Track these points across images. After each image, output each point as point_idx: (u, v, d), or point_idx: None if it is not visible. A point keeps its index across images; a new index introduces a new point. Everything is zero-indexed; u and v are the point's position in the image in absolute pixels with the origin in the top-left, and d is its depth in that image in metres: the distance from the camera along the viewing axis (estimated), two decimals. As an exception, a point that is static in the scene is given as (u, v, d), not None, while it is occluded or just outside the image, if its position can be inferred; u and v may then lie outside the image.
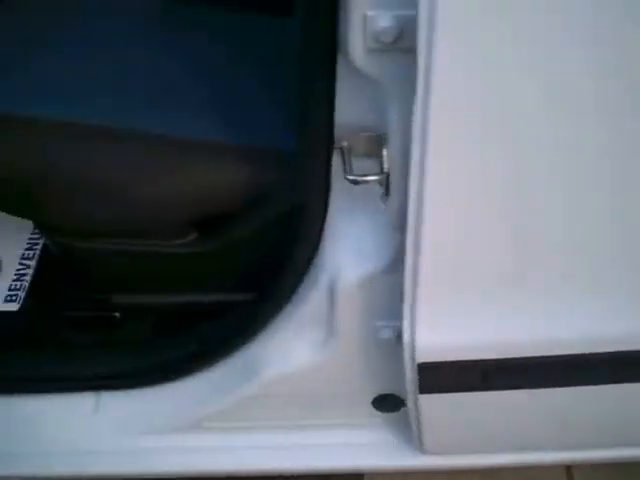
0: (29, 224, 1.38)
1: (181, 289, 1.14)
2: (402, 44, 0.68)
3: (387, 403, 1.05)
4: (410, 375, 0.88)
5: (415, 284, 0.79)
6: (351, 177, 0.80)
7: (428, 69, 0.63)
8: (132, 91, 1.01)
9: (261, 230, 1.04)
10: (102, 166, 0.97)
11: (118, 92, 1.01)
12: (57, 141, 0.97)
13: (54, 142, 0.97)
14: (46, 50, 1.06)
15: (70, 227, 1.05)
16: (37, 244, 1.36)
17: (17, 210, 1.07)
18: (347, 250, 0.89)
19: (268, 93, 1.05)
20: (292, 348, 0.99)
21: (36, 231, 1.37)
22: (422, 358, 0.85)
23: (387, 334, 0.93)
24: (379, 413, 1.06)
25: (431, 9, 0.60)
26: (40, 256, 1.33)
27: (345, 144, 0.81)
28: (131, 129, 0.97)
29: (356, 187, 0.84)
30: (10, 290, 1.29)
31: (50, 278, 1.29)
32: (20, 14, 1.14)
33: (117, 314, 1.18)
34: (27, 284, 1.30)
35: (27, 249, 1.35)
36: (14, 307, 1.27)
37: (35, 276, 1.30)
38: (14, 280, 1.31)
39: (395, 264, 0.86)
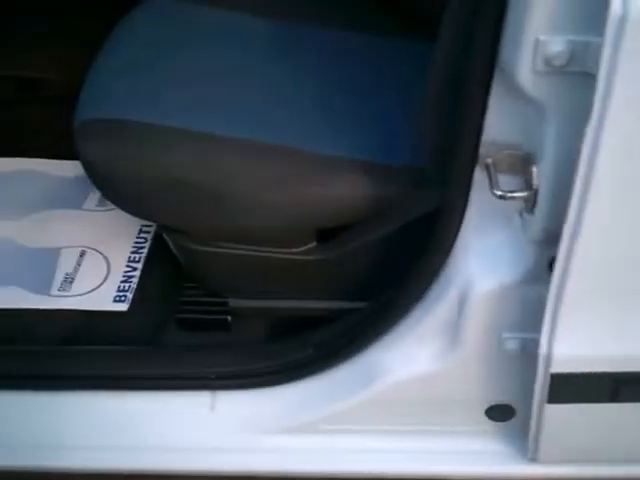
0: (133, 228, 1.43)
1: (295, 295, 1.18)
2: (571, 68, 0.71)
3: (499, 412, 1.08)
4: (540, 385, 0.91)
5: (560, 297, 0.82)
6: (499, 192, 0.83)
7: (607, 93, 0.67)
8: (274, 110, 1.08)
9: (380, 241, 1.08)
10: (242, 178, 1.02)
11: (263, 111, 1.06)
12: (205, 154, 1.03)
13: (203, 154, 1.03)
14: (206, 73, 1.13)
15: (199, 232, 1.10)
16: (143, 248, 1.41)
17: (147, 213, 1.12)
18: (481, 261, 0.93)
19: (396, 111, 1.10)
20: (414, 355, 1.02)
21: (141, 235, 1.42)
22: (557, 369, 0.88)
23: (512, 345, 0.96)
24: (491, 422, 1.09)
25: (617, 36, 0.64)
26: (146, 259, 1.38)
27: (490, 160, 0.85)
28: (271, 144, 1.03)
29: (485, 201, 0.88)
30: (119, 291, 1.34)
31: (157, 280, 1.34)
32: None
33: (229, 317, 1.22)
34: (135, 286, 1.35)
35: (133, 252, 1.40)
36: (123, 307, 1.31)
37: (142, 278, 1.35)
38: (122, 282, 1.36)
39: (529, 277, 0.90)
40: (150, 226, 1.43)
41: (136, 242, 1.42)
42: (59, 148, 1.52)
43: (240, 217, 1.06)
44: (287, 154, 1.03)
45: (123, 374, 1.17)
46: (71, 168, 1.52)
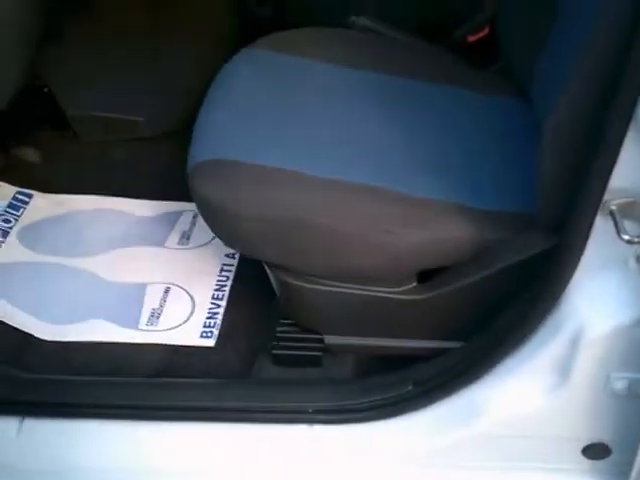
0: (215, 267, 1.48)
1: (391, 333, 1.22)
2: None
3: (595, 450, 1.12)
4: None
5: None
6: (627, 237, 0.89)
7: None
8: (383, 156, 1.15)
9: (480, 282, 1.13)
10: (353, 219, 1.08)
11: (373, 156, 1.14)
12: (320, 196, 1.09)
13: (318, 196, 1.09)
14: (313, 120, 1.20)
15: (306, 270, 1.15)
16: (225, 285, 1.46)
17: (258, 250, 1.16)
18: (595, 303, 0.98)
19: (498, 159, 1.16)
20: (518, 393, 1.07)
21: (223, 273, 1.47)
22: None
23: (619, 385, 1.01)
24: (587, 460, 1.12)
25: None
26: (229, 296, 1.43)
27: (615, 207, 0.91)
28: (381, 188, 1.09)
29: (599, 244, 0.94)
30: (205, 327, 1.38)
31: (243, 317, 1.39)
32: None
33: (321, 353, 1.26)
34: (220, 322, 1.39)
35: (216, 289, 1.45)
36: (210, 343, 1.36)
37: (226, 315, 1.39)
38: (207, 318, 1.40)
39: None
40: (231, 265, 1.49)
41: (219, 280, 1.46)
42: (141, 187, 1.58)
43: (348, 256, 1.11)
44: (396, 198, 1.09)
45: (210, 406, 1.20)
46: (152, 207, 1.58)
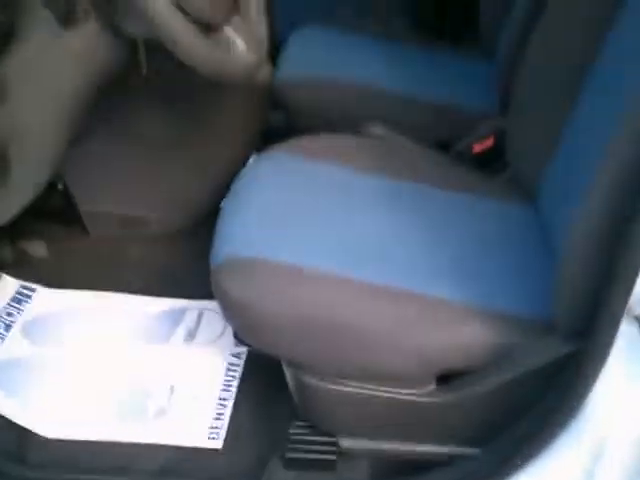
0: (221, 366, 1.47)
1: (407, 437, 1.21)
2: None
3: None
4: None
5: None
6: None
7: None
8: (400, 256, 1.17)
9: (501, 387, 1.13)
10: (373, 319, 1.09)
11: (391, 257, 1.16)
12: (340, 294, 1.10)
13: (340, 294, 1.10)
14: (332, 220, 1.23)
15: (325, 369, 1.14)
16: (231, 386, 1.44)
17: (279, 347, 1.16)
18: (620, 409, 0.98)
19: (509, 265, 1.19)
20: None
21: (229, 373, 1.46)
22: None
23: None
24: None
25: None
26: (236, 397, 1.41)
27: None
28: (398, 288, 1.11)
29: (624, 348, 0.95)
30: (211, 428, 1.36)
31: (251, 418, 1.37)
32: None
33: (335, 457, 1.24)
34: (227, 423, 1.36)
35: (222, 390, 1.43)
36: (218, 445, 1.33)
37: (234, 416, 1.37)
38: (214, 419, 1.38)
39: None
40: (238, 365, 1.47)
41: (225, 380, 1.45)
42: (148, 285, 1.58)
43: (373, 356, 1.11)
44: (413, 299, 1.10)
45: None
46: (157, 304, 1.58)
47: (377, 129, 1.51)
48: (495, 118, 1.62)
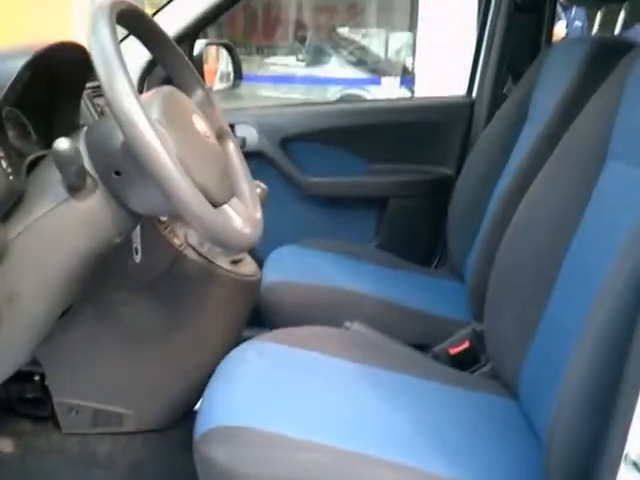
0: None
1: None
2: None
3: None
4: None
5: None
6: None
7: None
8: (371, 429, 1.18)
9: None
10: None
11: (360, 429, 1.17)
12: (322, 463, 1.09)
13: (319, 464, 1.09)
14: (317, 398, 1.24)
15: None
16: None
17: None
18: None
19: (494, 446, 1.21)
20: None
21: None
22: None
23: None
24: None
25: None
26: None
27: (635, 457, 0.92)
28: (371, 455, 1.11)
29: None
30: None
31: None
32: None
33: None
34: None
35: None
36: None
37: None
38: None
39: None
40: None
41: None
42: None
43: None
44: (390, 465, 1.09)
45: None
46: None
47: (356, 326, 1.55)
48: (470, 323, 1.68)
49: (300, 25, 7.82)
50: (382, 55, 7.83)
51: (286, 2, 7.88)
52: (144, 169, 1.03)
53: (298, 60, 7.43)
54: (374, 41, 7.73)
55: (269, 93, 6.99)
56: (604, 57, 1.51)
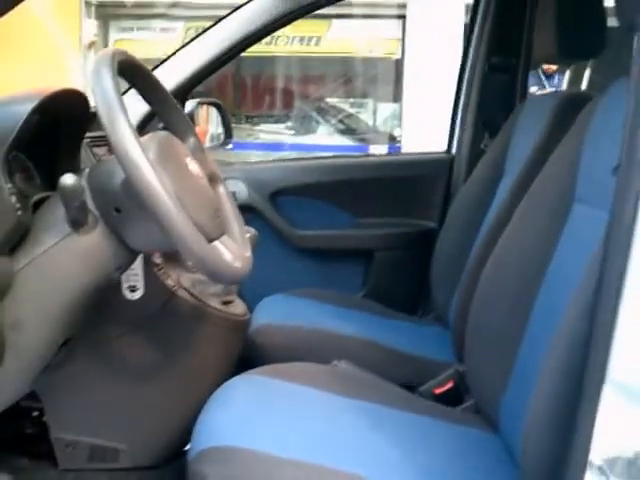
0: None
1: None
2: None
3: None
4: None
5: None
6: None
7: None
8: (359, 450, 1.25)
9: None
10: None
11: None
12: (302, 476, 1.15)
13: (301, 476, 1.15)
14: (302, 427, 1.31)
15: None
16: None
17: None
18: None
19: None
20: None
21: None
22: None
23: None
24: None
25: None
26: None
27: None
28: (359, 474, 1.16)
29: None
30: None
31: None
32: None
33: None
34: None
35: None
36: None
37: None
38: None
39: None
40: None
41: None
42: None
43: None
44: None
45: None
46: None
47: (343, 364, 1.61)
48: (453, 364, 1.74)
49: (289, 95, 8.02)
50: (370, 124, 8.01)
51: (275, 73, 8.10)
52: (143, 205, 1.11)
53: (287, 128, 7.60)
54: (362, 110, 7.93)
55: (259, 160, 7.14)
56: (570, 109, 1.61)
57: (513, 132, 1.97)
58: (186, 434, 1.55)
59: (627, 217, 0.92)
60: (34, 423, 1.55)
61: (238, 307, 1.65)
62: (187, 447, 1.52)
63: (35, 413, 1.55)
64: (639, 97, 0.89)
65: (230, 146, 2.48)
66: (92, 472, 1.55)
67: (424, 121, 6.29)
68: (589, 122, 1.37)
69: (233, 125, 2.49)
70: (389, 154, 5.56)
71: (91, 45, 7.08)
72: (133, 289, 1.44)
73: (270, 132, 7.44)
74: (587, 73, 4.62)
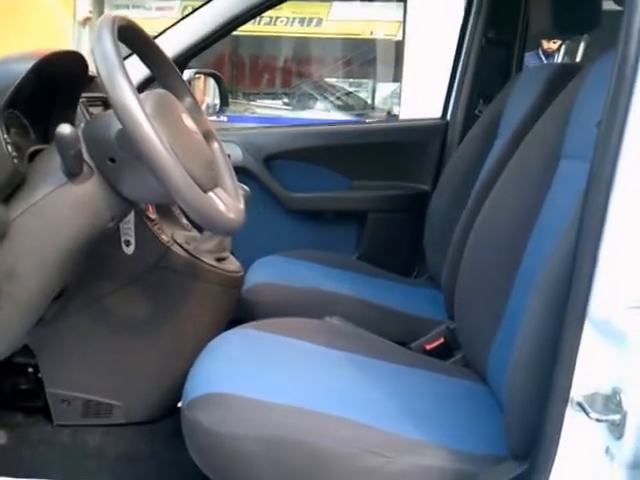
0: None
1: None
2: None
3: None
4: None
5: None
6: (596, 416, 0.96)
7: None
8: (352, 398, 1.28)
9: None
10: (341, 441, 1.16)
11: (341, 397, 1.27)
12: (300, 419, 1.18)
13: (294, 420, 1.18)
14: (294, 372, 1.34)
15: None
16: None
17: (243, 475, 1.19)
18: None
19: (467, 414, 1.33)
20: None
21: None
22: None
23: None
24: None
25: None
26: None
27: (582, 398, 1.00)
28: (355, 420, 1.19)
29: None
30: None
31: None
32: None
33: None
34: None
35: None
36: None
37: None
38: None
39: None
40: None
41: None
42: (110, 474, 1.57)
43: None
44: (373, 429, 1.17)
45: None
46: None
47: (336, 320, 1.64)
48: (444, 321, 1.77)
49: (288, 74, 8.00)
50: (369, 101, 7.99)
51: (274, 53, 8.05)
52: (139, 154, 1.13)
53: (284, 104, 7.58)
54: (361, 89, 7.90)
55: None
56: (562, 78, 1.63)
57: (507, 99, 1.99)
58: (180, 389, 1.57)
59: (607, 164, 0.97)
60: (29, 379, 1.58)
61: (232, 264, 1.67)
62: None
63: (30, 369, 1.57)
64: (624, 56, 0.94)
65: (225, 119, 2.50)
66: (87, 428, 1.58)
67: (422, 100, 6.27)
68: (579, 87, 1.39)
69: (230, 100, 2.50)
70: (385, 121, 5.55)
71: (86, 21, 7.03)
72: (127, 243, 1.47)
73: (267, 107, 7.40)
74: (581, 48, 4.66)
